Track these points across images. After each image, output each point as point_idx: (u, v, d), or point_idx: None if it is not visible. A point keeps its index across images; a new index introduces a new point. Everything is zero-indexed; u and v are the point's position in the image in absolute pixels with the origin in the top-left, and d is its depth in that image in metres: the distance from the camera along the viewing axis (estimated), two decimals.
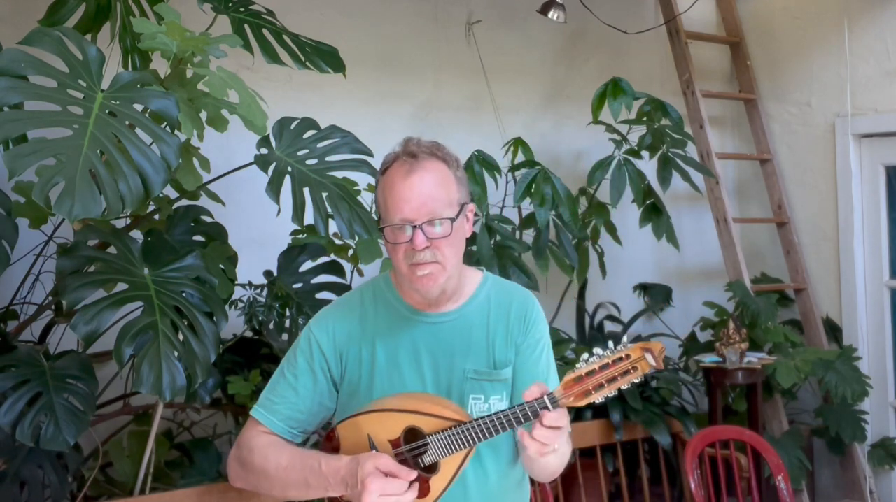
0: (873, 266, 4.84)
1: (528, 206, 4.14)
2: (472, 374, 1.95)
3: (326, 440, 1.98)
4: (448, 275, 1.91)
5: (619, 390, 1.80)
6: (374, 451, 1.86)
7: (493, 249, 3.89)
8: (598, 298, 4.76)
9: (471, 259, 3.92)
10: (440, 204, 1.87)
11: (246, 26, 3.09)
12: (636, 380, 1.77)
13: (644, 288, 4.98)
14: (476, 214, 2.34)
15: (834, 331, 4.90)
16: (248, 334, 3.30)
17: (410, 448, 1.88)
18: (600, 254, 4.45)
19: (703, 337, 4.84)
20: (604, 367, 1.76)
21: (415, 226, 1.85)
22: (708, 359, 4.46)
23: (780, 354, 4.46)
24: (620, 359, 1.76)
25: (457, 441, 1.83)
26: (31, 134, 2.44)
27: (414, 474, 1.80)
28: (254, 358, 3.30)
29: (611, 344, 1.81)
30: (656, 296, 4.93)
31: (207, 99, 2.68)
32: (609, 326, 4.73)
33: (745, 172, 5.37)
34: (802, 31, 5.04)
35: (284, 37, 3.12)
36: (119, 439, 3.16)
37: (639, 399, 4.11)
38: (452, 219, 1.88)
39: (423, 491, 1.86)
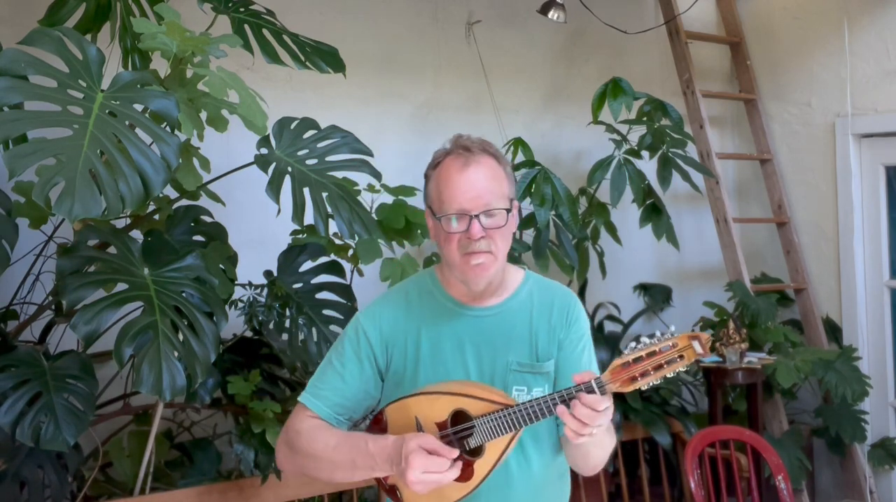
0: (873, 266, 4.84)
1: (528, 206, 4.14)
2: (515, 366, 2.00)
3: (374, 423, 2.03)
4: (497, 266, 1.97)
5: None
6: (419, 431, 1.91)
7: None
8: (598, 298, 4.76)
9: None
10: (495, 196, 1.94)
11: (246, 26, 3.09)
12: (682, 369, 1.79)
13: (644, 288, 4.98)
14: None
15: (834, 331, 4.90)
16: (248, 334, 3.30)
17: (456, 430, 1.91)
18: (600, 254, 4.45)
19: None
20: (651, 355, 1.78)
21: (472, 217, 1.91)
22: (708, 359, 4.45)
23: (780, 354, 4.46)
24: (668, 347, 1.78)
25: (502, 424, 1.86)
26: (31, 134, 2.44)
27: (456, 452, 1.83)
28: (254, 358, 3.30)
29: (658, 332, 1.82)
30: (656, 296, 4.93)
31: (207, 99, 2.68)
32: (609, 326, 4.73)
33: (745, 172, 5.37)
34: (802, 31, 5.04)
35: (284, 37, 3.12)
36: (119, 439, 3.16)
37: (639, 399, 4.11)
38: (508, 211, 1.95)
39: (467, 474, 1.89)
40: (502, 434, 1.87)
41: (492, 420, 1.87)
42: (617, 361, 1.79)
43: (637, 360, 1.78)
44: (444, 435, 1.91)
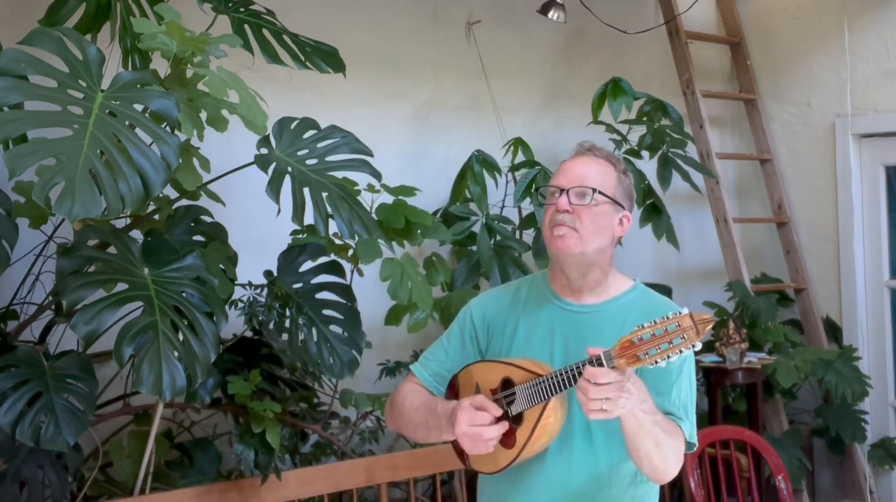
0: (873, 266, 4.84)
1: (528, 206, 4.14)
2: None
3: (449, 388, 2.20)
4: (584, 247, 2.06)
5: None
6: (477, 394, 2.08)
7: (493, 249, 3.89)
8: None
9: (471, 259, 3.93)
10: (593, 183, 2.08)
11: (246, 26, 3.09)
12: (685, 352, 1.79)
13: None
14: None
15: (834, 331, 4.90)
16: (248, 334, 3.30)
17: (504, 395, 2.04)
18: None
19: (703, 337, 4.83)
20: (658, 334, 1.79)
21: (563, 191, 2.08)
22: (708, 359, 4.45)
23: (780, 354, 4.46)
24: (674, 326, 1.79)
25: (535, 392, 1.97)
26: (31, 134, 2.44)
27: (499, 410, 1.99)
28: (254, 358, 3.30)
29: (672, 310, 1.83)
30: None
31: (207, 99, 2.68)
32: None
33: (745, 172, 5.37)
34: (802, 31, 5.04)
35: (284, 37, 3.12)
36: (119, 439, 3.16)
37: None
38: (595, 190, 2.06)
39: (511, 441, 2.02)
40: (536, 402, 1.97)
41: (527, 388, 1.99)
42: (626, 336, 1.82)
43: (644, 339, 1.80)
44: (497, 399, 2.04)
